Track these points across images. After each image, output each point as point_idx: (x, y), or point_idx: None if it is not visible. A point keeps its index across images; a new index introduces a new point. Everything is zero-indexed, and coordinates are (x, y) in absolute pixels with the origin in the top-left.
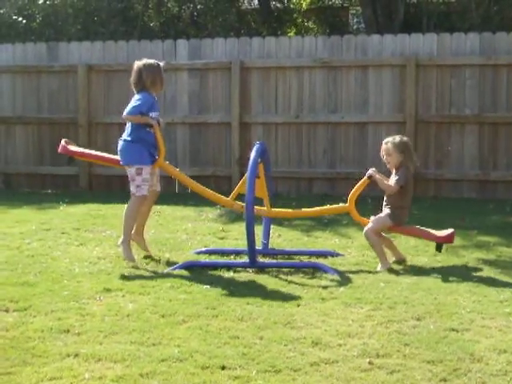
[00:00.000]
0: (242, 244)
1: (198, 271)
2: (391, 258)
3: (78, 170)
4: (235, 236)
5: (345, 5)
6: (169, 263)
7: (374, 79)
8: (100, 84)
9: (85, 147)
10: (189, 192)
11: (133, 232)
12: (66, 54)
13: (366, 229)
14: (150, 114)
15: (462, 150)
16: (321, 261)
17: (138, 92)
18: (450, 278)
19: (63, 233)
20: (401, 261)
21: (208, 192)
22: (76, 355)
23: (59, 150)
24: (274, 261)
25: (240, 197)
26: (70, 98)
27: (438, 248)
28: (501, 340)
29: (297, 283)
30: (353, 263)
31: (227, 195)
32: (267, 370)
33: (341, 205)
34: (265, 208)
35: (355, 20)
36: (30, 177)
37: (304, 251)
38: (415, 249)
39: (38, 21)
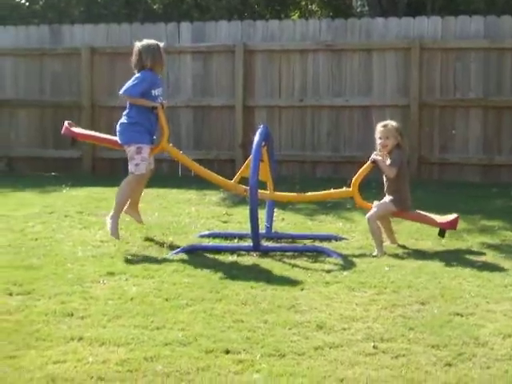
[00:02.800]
0: (246, 227)
1: (201, 255)
2: (386, 241)
3: (81, 153)
4: (239, 219)
5: None
6: (172, 247)
7: (378, 62)
8: (103, 67)
9: (89, 129)
10: (192, 175)
11: (126, 207)
12: (69, 36)
13: (369, 214)
14: (153, 92)
15: (467, 134)
16: (324, 245)
17: (138, 72)
18: (455, 263)
19: (66, 216)
20: (392, 244)
21: (211, 175)
22: (80, 339)
23: (62, 131)
24: (278, 244)
25: (243, 180)
26: (73, 80)
27: (441, 234)
28: (506, 325)
29: (300, 267)
30: (356, 247)
31: (230, 179)
32: (271, 353)
33: (344, 189)
34: (268, 191)
35: (359, 3)
36: (33, 160)
37: (307, 235)
38: (419, 232)
39: (40, 3)
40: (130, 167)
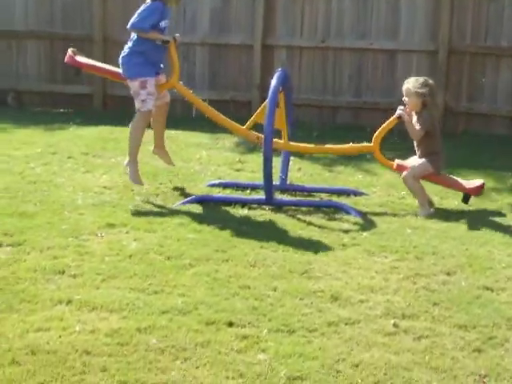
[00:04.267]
0: (259, 177)
1: (210, 206)
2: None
3: (92, 88)
4: (252, 168)
5: None
6: (179, 196)
7: (406, 3)
8: None
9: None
10: (206, 116)
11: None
12: None
13: (404, 175)
14: (161, 24)
15: (496, 84)
16: (343, 200)
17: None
18: (483, 227)
19: (70, 157)
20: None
21: (222, 118)
22: (69, 302)
23: (65, 59)
24: (293, 198)
25: (257, 126)
26: (84, 11)
27: (465, 199)
28: None
29: (316, 225)
30: (377, 204)
31: (246, 121)
32: (279, 329)
33: (365, 144)
34: (283, 141)
35: None
36: (41, 95)
37: (325, 188)
38: (444, 191)
39: None
40: (136, 104)
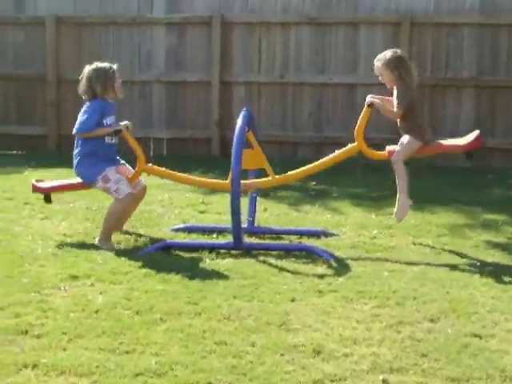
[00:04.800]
0: (225, 219)
1: (176, 253)
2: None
3: (46, 129)
4: (217, 209)
5: None
6: (144, 243)
7: (365, 38)
8: (70, 37)
9: (53, 105)
10: (164, 155)
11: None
12: (33, 4)
13: (393, 158)
14: (104, 121)
15: (458, 116)
16: (313, 242)
17: (89, 100)
18: (461, 267)
19: (27, 203)
20: None
21: (203, 181)
22: (34, 366)
23: (32, 190)
24: (262, 242)
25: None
26: (37, 52)
27: (469, 157)
28: None
29: (289, 270)
30: (349, 245)
31: (206, 159)
32: None
33: (349, 146)
34: (269, 178)
35: None
36: None
37: (294, 230)
38: (416, 228)
39: None
40: (113, 196)
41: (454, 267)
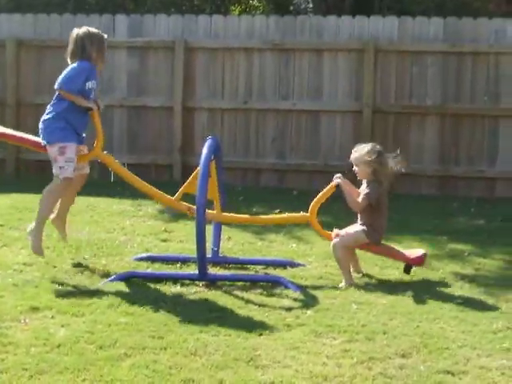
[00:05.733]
0: (188, 248)
1: (139, 283)
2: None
3: (4, 153)
4: (180, 237)
5: None
6: (106, 273)
7: (329, 64)
8: (31, 61)
9: (13, 129)
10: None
11: (53, 216)
12: None
13: (334, 242)
14: (87, 84)
15: (422, 143)
16: (279, 273)
17: (78, 60)
18: (430, 299)
19: None
20: (357, 274)
21: (151, 189)
22: None
23: None
24: (227, 272)
25: (186, 196)
26: None
27: (407, 270)
28: None
29: (255, 303)
30: (316, 276)
31: (168, 185)
32: None
33: (301, 214)
34: (215, 211)
35: None
36: None
37: (260, 260)
38: (382, 259)
39: None
40: (54, 170)
41: (422, 300)
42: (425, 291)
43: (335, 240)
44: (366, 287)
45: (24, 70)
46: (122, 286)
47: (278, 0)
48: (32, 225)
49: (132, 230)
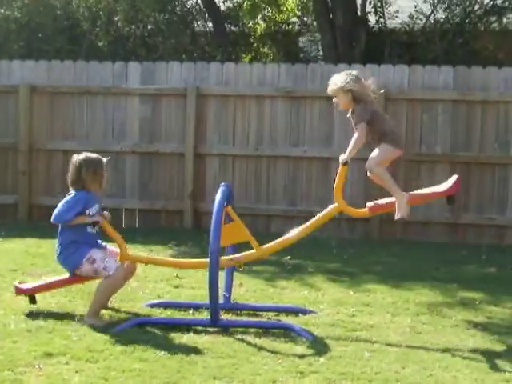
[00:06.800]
0: (200, 294)
1: (152, 330)
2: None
3: (16, 198)
4: (191, 284)
5: (302, 31)
6: (119, 319)
7: (340, 112)
8: (43, 107)
9: (25, 174)
10: (136, 226)
11: None
12: (6, 72)
13: (367, 164)
14: (87, 212)
15: None
16: (291, 320)
17: (75, 190)
18: (442, 347)
19: None
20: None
21: (185, 262)
22: None
23: (15, 292)
24: (239, 319)
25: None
26: (9, 121)
27: (451, 202)
28: None
29: (268, 350)
30: (328, 323)
31: (178, 231)
32: None
33: (330, 208)
34: (253, 251)
35: (313, 47)
36: None
37: (272, 307)
38: (394, 306)
39: None
40: (102, 275)
41: (434, 348)
42: (437, 339)
43: (367, 164)
44: (378, 335)
45: (36, 116)
46: (134, 332)
47: (288, 47)
48: (87, 313)
49: (144, 276)
